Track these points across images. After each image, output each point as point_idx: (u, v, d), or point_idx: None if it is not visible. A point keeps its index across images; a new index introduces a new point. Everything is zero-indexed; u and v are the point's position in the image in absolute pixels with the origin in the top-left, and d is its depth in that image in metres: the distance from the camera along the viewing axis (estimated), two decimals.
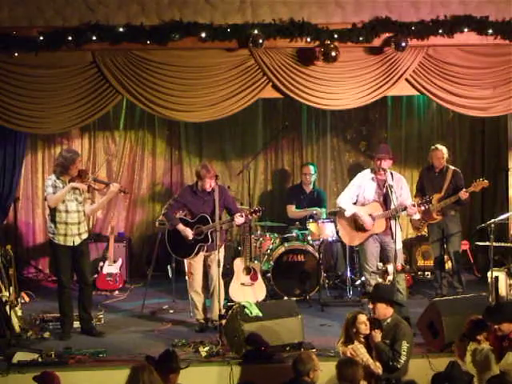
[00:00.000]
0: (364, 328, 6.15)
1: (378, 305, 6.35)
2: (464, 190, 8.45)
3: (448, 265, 9.07)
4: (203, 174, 7.77)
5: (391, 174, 7.88)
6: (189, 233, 7.78)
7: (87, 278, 7.73)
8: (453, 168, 8.77)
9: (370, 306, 6.45)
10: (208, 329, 7.79)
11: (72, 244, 7.56)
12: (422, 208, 8.00)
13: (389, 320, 6.32)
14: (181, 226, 7.82)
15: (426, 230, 9.05)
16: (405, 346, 6.13)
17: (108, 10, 8.11)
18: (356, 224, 7.90)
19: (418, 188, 9.00)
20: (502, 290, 8.34)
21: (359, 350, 6.05)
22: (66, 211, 7.53)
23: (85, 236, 7.70)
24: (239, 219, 7.77)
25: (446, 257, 8.96)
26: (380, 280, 7.64)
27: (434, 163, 8.77)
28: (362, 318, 6.17)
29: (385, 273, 7.55)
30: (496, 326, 5.95)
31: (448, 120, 10.53)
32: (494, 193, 10.04)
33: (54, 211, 7.52)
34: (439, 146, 8.79)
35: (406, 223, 10.13)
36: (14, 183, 9.29)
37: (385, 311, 6.35)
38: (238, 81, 8.26)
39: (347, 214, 7.93)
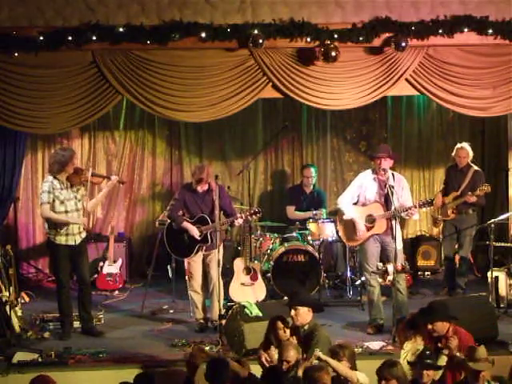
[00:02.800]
0: (282, 334, 6.15)
1: (300, 310, 6.24)
2: (470, 193, 8.45)
3: (456, 260, 9.09)
4: (196, 176, 7.82)
5: (392, 174, 7.87)
6: (195, 231, 7.78)
7: (86, 278, 7.73)
8: (475, 168, 8.68)
9: (292, 312, 6.28)
10: (208, 329, 7.80)
11: (74, 243, 7.57)
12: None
13: (306, 327, 6.25)
14: (187, 224, 7.82)
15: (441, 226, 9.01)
16: (317, 352, 6.03)
17: (108, 9, 8.10)
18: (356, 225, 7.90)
19: (444, 183, 9.01)
20: (502, 289, 8.34)
21: (274, 357, 6.02)
22: (66, 211, 7.52)
23: (84, 235, 7.71)
24: (238, 221, 7.85)
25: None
26: (380, 280, 7.64)
27: (456, 161, 8.73)
28: (280, 324, 6.17)
29: (385, 273, 7.53)
30: (430, 327, 5.95)
31: (448, 120, 10.52)
32: (494, 193, 9.99)
33: (53, 212, 7.51)
34: (463, 145, 8.73)
35: (407, 223, 10.14)
36: (13, 183, 9.26)
37: (306, 316, 6.26)
38: (237, 81, 8.26)
39: (345, 217, 7.92)
